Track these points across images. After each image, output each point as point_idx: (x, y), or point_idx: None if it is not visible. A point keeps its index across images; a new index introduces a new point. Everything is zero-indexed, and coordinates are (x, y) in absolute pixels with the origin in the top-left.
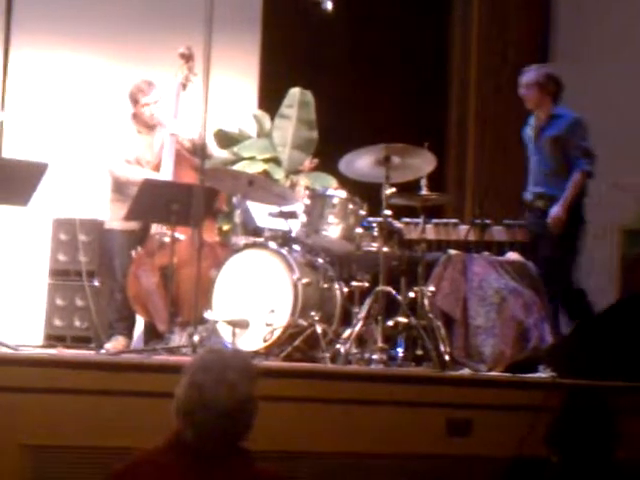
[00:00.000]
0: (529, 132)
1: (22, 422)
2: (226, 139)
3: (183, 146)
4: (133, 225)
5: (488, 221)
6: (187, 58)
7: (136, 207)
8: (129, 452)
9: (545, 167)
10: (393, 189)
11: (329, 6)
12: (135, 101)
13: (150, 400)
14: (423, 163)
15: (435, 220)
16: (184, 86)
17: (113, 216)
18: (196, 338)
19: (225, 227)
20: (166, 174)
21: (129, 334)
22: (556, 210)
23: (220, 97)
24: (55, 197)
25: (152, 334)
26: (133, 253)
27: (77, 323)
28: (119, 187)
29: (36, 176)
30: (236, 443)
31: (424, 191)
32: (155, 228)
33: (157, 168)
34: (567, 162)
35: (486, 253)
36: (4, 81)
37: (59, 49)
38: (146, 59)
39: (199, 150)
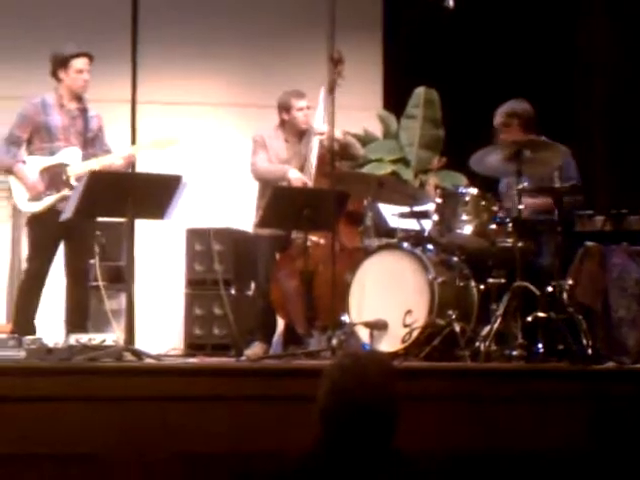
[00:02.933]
0: None
1: (172, 430)
2: None
3: (329, 149)
4: (278, 231)
5: (624, 211)
6: (336, 62)
7: (268, 214)
8: (275, 457)
9: None
10: (525, 183)
11: (451, 3)
12: (287, 107)
13: (294, 404)
14: (555, 155)
15: None
16: (332, 90)
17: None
18: (335, 341)
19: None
20: (307, 178)
21: (268, 340)
22: None
23: (344, 99)
24: (188, 207)
25: (290, 338)
26: (278, 257)
27: (216, 331)
28: (266, 193)
29: (172, 189)
30: (382, 445)
31: (557, 184)
32: (296, 232)
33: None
34: None
35: (624, 243)
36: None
37: (195, 62)
38: (287, 66)
39: (339, 153)
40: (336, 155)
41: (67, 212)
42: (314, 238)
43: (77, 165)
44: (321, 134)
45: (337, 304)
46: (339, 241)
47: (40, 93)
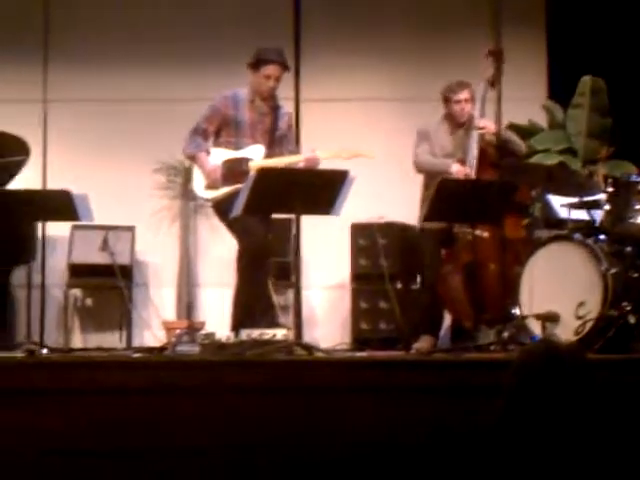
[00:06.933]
0: None
1: (346, 421)
2: (518, 132)
3: (489, 143)
4: (442, 224)
5: None
6: (496, 55)
7: (434, 208)
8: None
9: None
10: None
11: None
12: (447, 100)
13: (464, 396)
14: None
15: None
16: (492, 83)
17: None
18: (506, 334)
19: (524, 221)
20: (470, 170)
21: (436, 333)
22: None
23: (509, 91)
24: (353, 202)
25: (458, 332)
26: (442, 252)
27: (382, 326)
28: (431, 184)
29: (338, 184)
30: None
31: None
32: (458, 226)
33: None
34: None
35: None
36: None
37: (357, 57)
38: (450, 60)
39: (499, 147)
40: (496, 150)
41: (237, 209)
42: (477, 231)
43: (259, 162)
44: (481, 128)
45: (505, 297)
46: (503, 233)
47: (212, 96)
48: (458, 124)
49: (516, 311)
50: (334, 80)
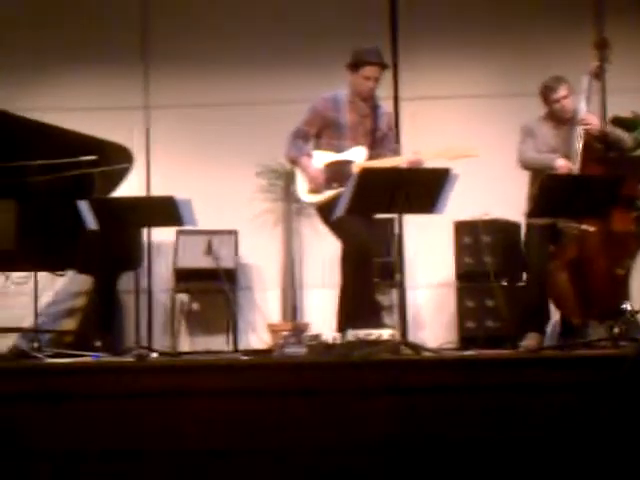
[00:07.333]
0: None
1: (456, 420)
2: (623, 125)
3: (594, 138)
4: (548, 220)
5: None
6: (601, 46)
7: (539, 204)
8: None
9: None
10: None
11: None
12: (545, 99)
13: (572, 392)
14: None
15: None
16: (597, 75)
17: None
18: (616, 330)
19: (633, 215)
20: (574, 166)
21: (542, 330)
22: None
23: (613, 82)
24: (456, 200)
25: (567, 329)
26: (550, 248)
27: (489, 324)
28: (537, 180)
29: (441, 182)
30: None
31: None
32: (563, 221)
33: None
34: None
35: None
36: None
37: (455, 54)
38: (550, 53)
39: (603, 142)
40: (600, 144)
41: (339, 210)
42: (583, 226)
43: (362, 164)
44: (586, 125)
45: (614, 292)
46: (610, 227)
47: (311, 97)
48: (562, 120)
49: (626, 306)
50: (432, 78)
